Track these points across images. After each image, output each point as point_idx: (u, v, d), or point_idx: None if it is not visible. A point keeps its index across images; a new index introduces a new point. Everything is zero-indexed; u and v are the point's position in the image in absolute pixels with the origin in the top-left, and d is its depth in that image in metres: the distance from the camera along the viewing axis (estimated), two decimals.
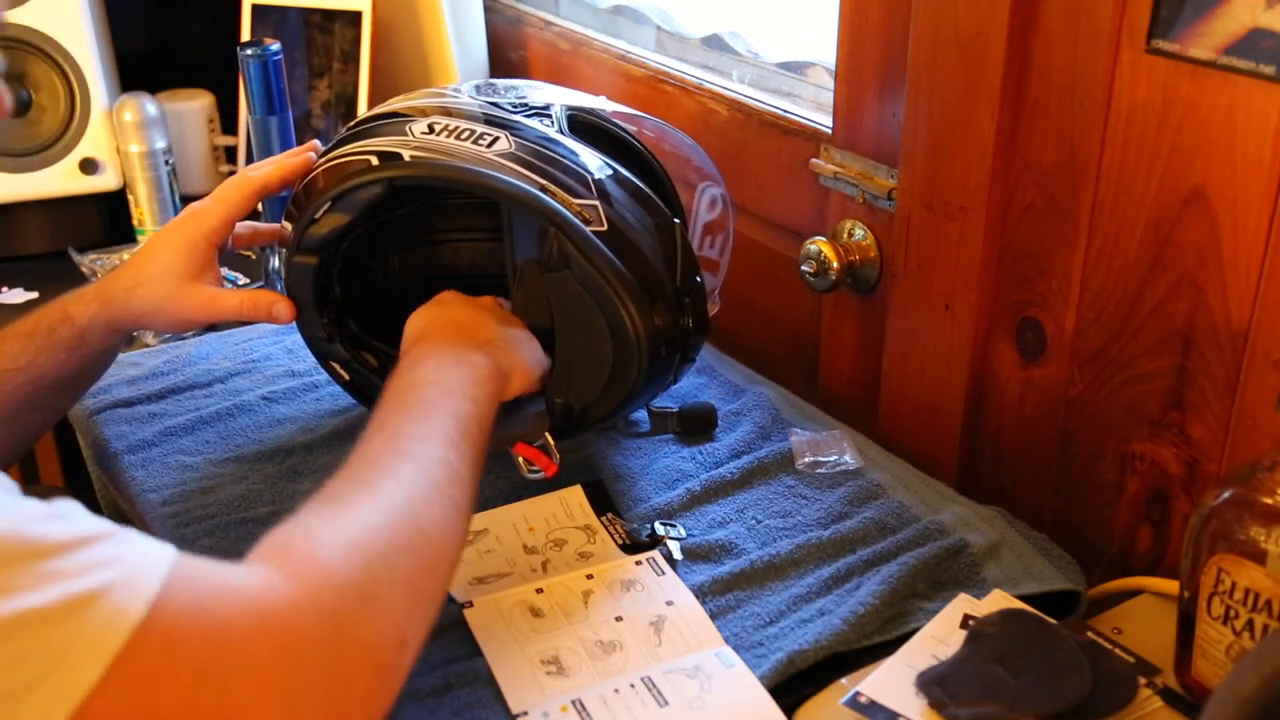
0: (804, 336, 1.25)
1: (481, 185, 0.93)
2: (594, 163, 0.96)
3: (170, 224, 1.01)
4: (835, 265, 1.13)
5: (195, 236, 0.99)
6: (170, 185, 1.50)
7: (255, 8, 1.59)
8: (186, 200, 1.56)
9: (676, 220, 0.98)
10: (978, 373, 1.04)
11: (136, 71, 1.63)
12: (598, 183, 0.94)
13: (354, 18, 1.56)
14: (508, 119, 0.97)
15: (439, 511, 0.73)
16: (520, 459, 0.98)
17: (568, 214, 0.92)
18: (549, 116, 0.99)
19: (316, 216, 0.96)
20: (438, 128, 0.95)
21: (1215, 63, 0.80)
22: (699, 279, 0.98)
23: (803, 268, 1.15)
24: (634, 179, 0.97)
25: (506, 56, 1.63)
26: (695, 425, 1.08)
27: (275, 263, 1.35)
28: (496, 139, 0.94)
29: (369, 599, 0.65)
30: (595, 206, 0.93)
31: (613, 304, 0.93)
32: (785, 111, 1.21)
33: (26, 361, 0.96)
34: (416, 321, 0.94)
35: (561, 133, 0.98)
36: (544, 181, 0.93)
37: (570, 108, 1.01)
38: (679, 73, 1.34)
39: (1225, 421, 0.86)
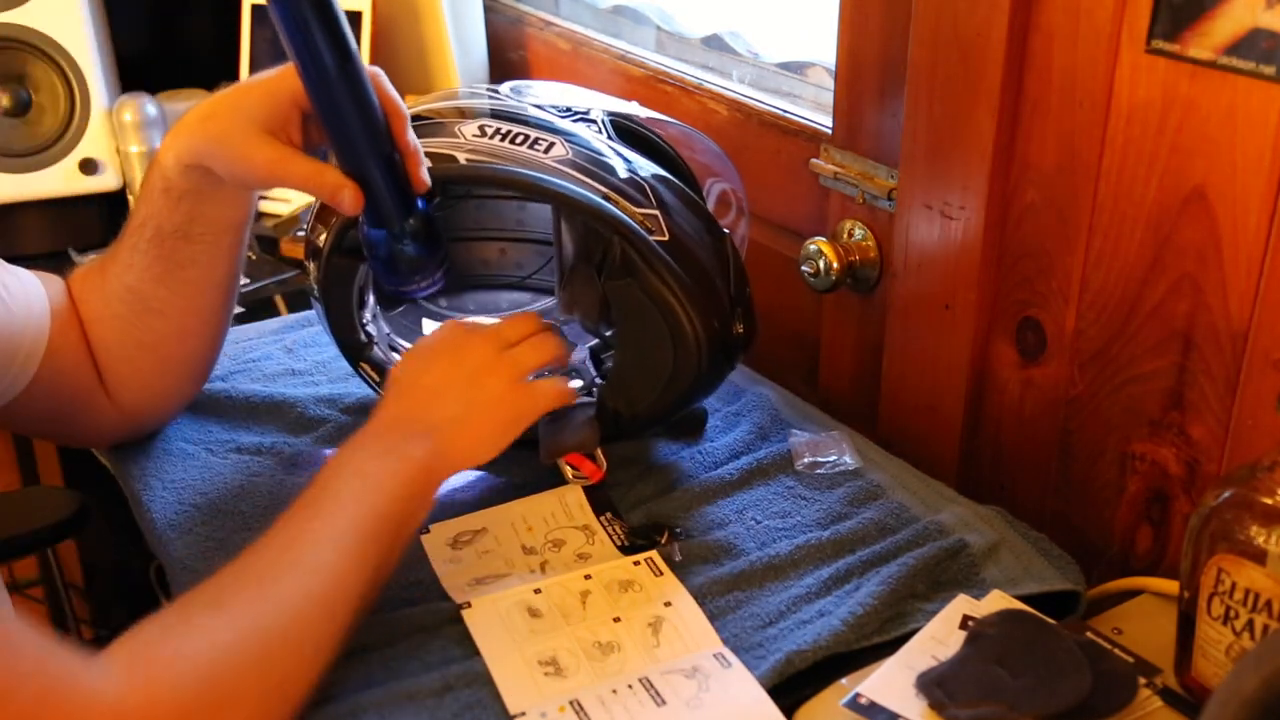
0: (804, 336, 1.25)
1: (547, 193, 0.93)
2: (649, 171, 0.96)
3: (264, 71, 0.92)
4: (835, 265, 1.13)
5: (281, 90, 0.90)
6: None
7: (255, 8, 1.59)
8: None
9: (726, 231, 0.98)
10: (978, 373, 1.04)
11: (136, 71, 1.63)
12: (655, 191, 0.95)
13: (354, 18, 1.56)
14: (557, 124, 0.97)
15: (309, 627, 0.76)
16: (567, 466, 0.98)
17: (633, 224, 0.92)
18: (594, 122, 0.99)
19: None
20: (489, 130, 0.95)
21: (1215, 63, 0.80)
22: (748, 288, 0.99)
23: (803, 268, 1.15)
24: (685, 188, 0.98)
25: (506, 56, 1.63)
26: (682, 426, 1.08)
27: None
28: (552, 145, 0.94)
29: (213, 713, 0.68)
30: (656, 216, 0.93)
31: (675, 314, 0.93)
32: (785, 111, 1.21)
33: (142, 216, 0.96)
34: (396, 371, 0.94)
35: (611, 139, 0.98)
36: (606, 190, 0.93)
37: (609, 113, 1.01)
38: (679, 73, 1.34)
39: (1225, 421, 0.86)
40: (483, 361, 0.93)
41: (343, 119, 0.86)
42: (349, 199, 0.88)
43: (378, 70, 0.89)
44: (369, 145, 0.87)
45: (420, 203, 0.91)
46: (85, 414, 1.02)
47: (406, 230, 0.91)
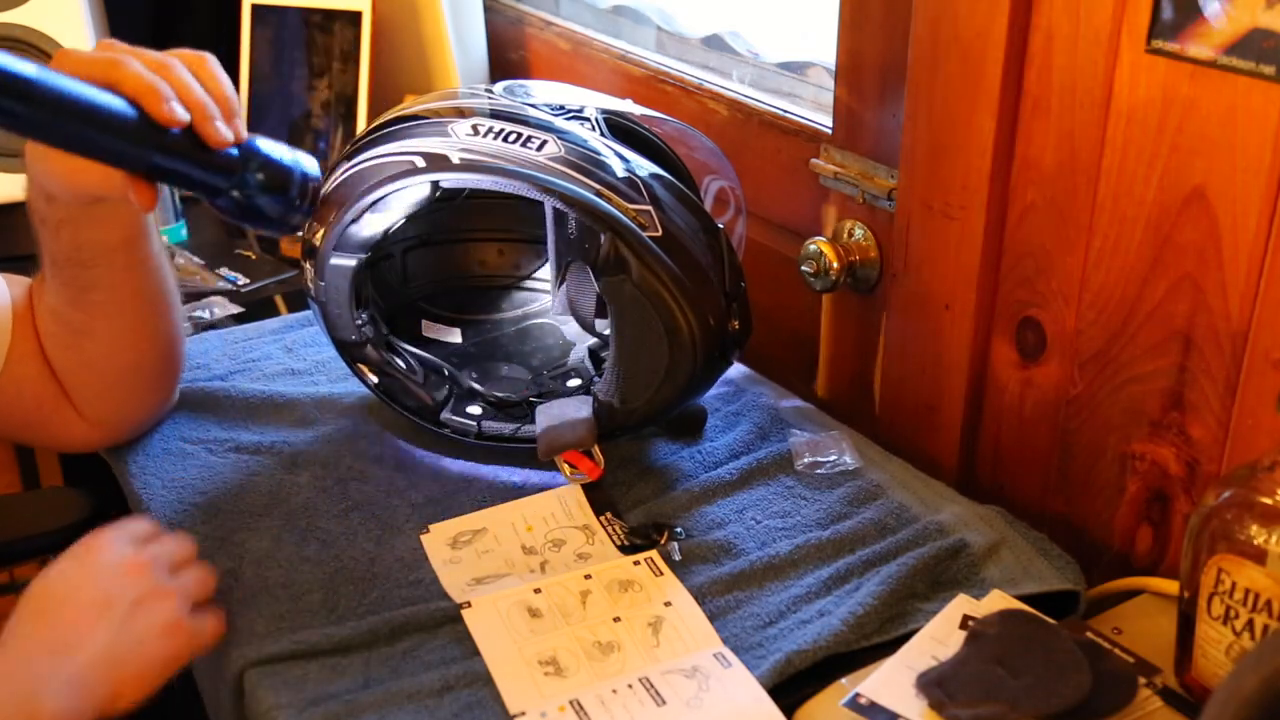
0: (804, 336, 1.25)
1: (539, 190, 0.92)
2: (642, 167, 0.96)
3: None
4: (835, 265, 1.13)
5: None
6: None
7: (255, 8, 1.59)
8: (186, 200, 1.56)
9: (720, 226, 0.98)
10: (978, 373, 1.04)
11: None
12: (648, 187, 0.95)
13: (354, 18, 1.56)
14: (549, 121, 0.97)
15: None
16: (565, 464, 0.98)
17: (626, 220, 0.92)
18: (587, 119, 0.99)
19: (356, 217, 0.96)
20: (482, 129, 0.95)
21: (1215, 63, 0.80)
22: (743, 283, 0.99)
23: (803, 268, 1.15)
24: (679, 184, 0.98)
25: (506, 56, 1.63)
26: (682, 426, 1.08)
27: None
28: (545, 142, 0.94)
29: None
30: (649, 212, 0.93)
31: (669, 309, 0.93)
32: (785, 111, 1.21)
33: (39, 245, 0.94)
34: (37, 587, 0.80)
35: (603, 136, 0.98)
36: (598, 186, 0.93)
37: (603, 110, 1.01)
38: (679, 73, 1.34)
39: (1225, 421, 0.86)
40: (145, 588, 0.79)
41: (69, 136, 0.79)
42: (138, 197, 0.83)
43: (66, 50, 0.82)
44: (119, 143, 0.80)
45: (240, 151, 0.84)
46: (55, 421, 1.01)
47: (248, 183, 0.84)
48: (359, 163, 0.97)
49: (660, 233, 0.93)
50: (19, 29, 1.48)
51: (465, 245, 1.20)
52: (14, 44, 1.48)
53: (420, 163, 0.93)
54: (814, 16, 1.22)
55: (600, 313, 1.00)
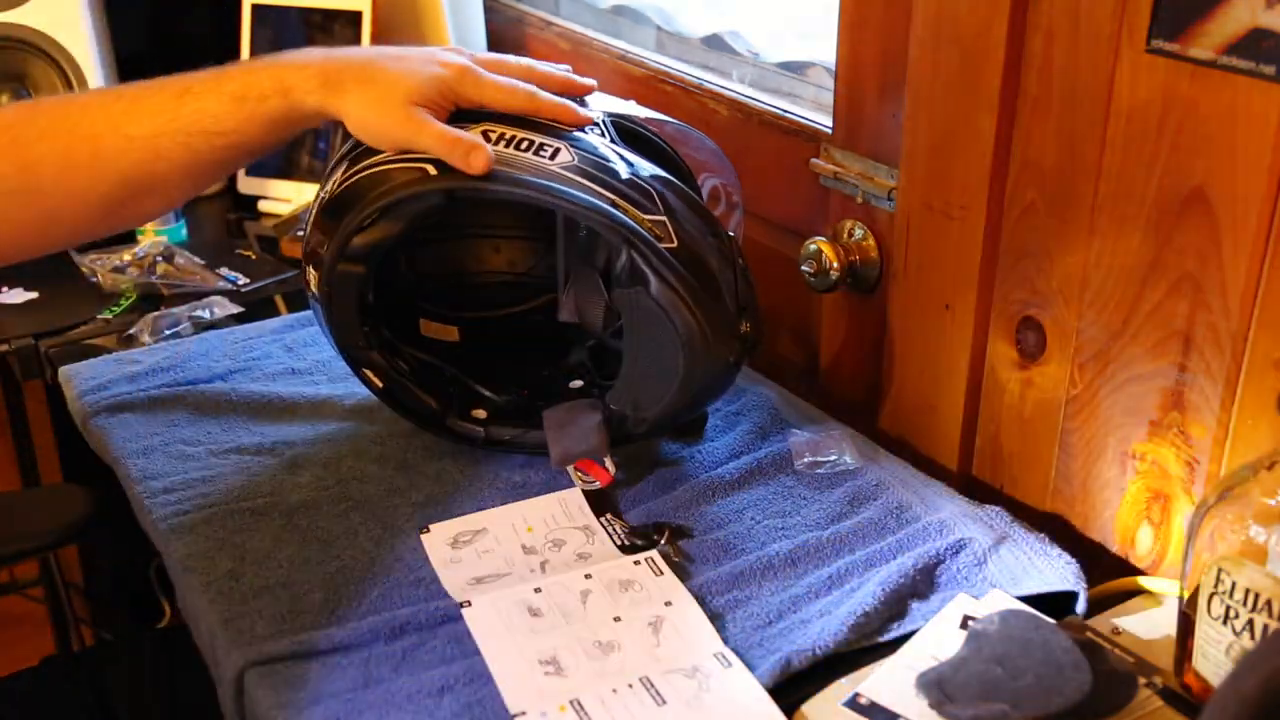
0: (804, 336, 1.25)
1: (554, 202, 0.91)
2: (649, 172, 0.95)
3: (437, 50, 0.98)
4: (835, 265, 1.13)
5: (446, 84, 0.94)
6: None
7: (255, 8, 1.59)
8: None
9: (731, 234, 0.98)
10: (978, 373, 1.04)
11: (136, 71, 1.62)
12: (662, 196, 0.94)
13: (354, 18, 1.56)
14: (560, 128, 0.96)
15: None
16: (576, 472, 0.98)
17: (643, 232, 0.91)
18: (596, 124, 0.98)
19: (365, 225, 0.94)
20: (493, 135, 0.94)
21: (1215, 63, 0.80)
22: (754, 289, 0.98)
23: (803, 268, 1.15)
24: (688, 190, 0.97)
25: None
26: (682, 426, 1.08)
27: None
28: (557, 150, 0.93)
29: None
30: (664, 222, 0.92)
31: (687, 320, 0.92)
32: (785, 111, 1.21)
33: (232, 127, 0.93)
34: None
35: (614, 142, 0.97)
36: (613, 196, 0.92)
37: (610, 114, 1.01)
38: (679, 73, 1.34)
39: (1225, 421, 0.86)
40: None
41: None
42: (480, 160, 0.90)
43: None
44: None
45: None
46: None
47: None
48: (365, 168, 0.95)
49: (675, 244, 0.92)
50: (19, 29, 1.48)
51: (462, 242, 1.19)
52: (16, 44, 1.48)
53: (432, 170, 0.92)
54: (814, 16, 1.22)
55: (609, 320, 1.00)
